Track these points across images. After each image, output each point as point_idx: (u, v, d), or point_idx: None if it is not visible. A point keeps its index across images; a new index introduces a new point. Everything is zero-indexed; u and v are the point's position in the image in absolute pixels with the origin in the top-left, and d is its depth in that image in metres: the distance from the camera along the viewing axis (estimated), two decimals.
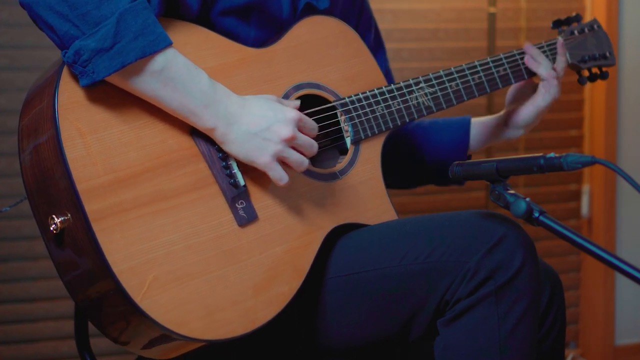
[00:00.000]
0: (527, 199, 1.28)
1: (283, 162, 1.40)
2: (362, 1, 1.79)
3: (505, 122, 1.81)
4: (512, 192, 1.32)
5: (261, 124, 1.37)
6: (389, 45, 2.74)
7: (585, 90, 3.01)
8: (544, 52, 1.77)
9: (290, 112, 1.39)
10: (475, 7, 2.81)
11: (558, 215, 2.98)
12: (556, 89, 1.74)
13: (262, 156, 1.37)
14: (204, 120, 1.35)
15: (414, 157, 1.84)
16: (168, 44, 1.32)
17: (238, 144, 1.37)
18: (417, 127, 1.86)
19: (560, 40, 1.78)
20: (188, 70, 1.34)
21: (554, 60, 1.77)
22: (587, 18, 2.92)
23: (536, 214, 1.27)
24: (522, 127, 1.79)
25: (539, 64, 1.74)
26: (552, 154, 1.28)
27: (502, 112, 1.82)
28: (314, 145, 1.43)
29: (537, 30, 2.88)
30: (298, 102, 1.46)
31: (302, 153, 1.41)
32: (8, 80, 2.42)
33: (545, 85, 1.74)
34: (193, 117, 1.35)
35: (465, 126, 1.84)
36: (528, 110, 1.76)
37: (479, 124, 1.84)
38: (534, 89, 1.78)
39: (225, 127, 1.36)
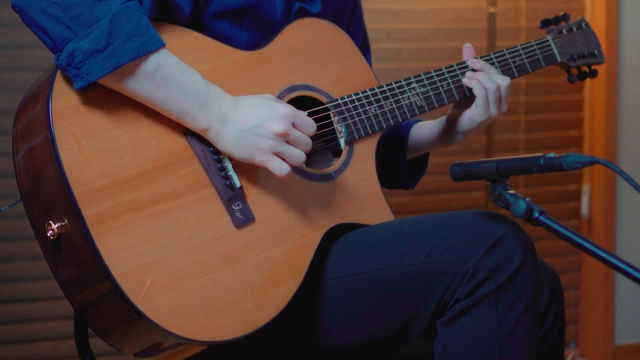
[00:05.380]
0: (527, 199, 1.28)
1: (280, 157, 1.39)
2: (354, 2, 1.78)
3: (445, 127, 1.73)
4: (512, 192, 1.31)
5: (253, 121, 1.37)
6: (388, 45, 2.75)
7: (585, 90, 3.01)
8: (516, 57, 1.73)
9: (282, 108, 1.39)
10: (475, 7, 2.81)
11: (558, 215, 2.98)
12: (489, 107, 1.64)
13: (257, 152, 1.37)
14: (198, 120, 1.35)
15: None
16: (161, 45, 1.32)
17: (232, 143, 1.37)
18: None
19: (471, 60, 1.68)
20: (181, 70, 1.34)
21: (526, 65, 1.73)
22: (587, 18, 2.92)
23: (536, 214, 1.27)
24: (460, 134, 1.71)
25: (473, 80, 1.65)
26: (552, 154, 1.28)
27: (444, 117, 1.75)
28: (309, 143, 1.41)
29: (537, 30, 2.87)
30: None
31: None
32: (8, 80, 2.43)
33: (478, 101, 1.65)
34: (187, 118, 1.35)
35: (407, 128, 1.78)
36: (465, 121, 1.68)
37: (420, 126, 1.78)
38: (473, 98, 1.68)
39: (218, 126, 1.36)
